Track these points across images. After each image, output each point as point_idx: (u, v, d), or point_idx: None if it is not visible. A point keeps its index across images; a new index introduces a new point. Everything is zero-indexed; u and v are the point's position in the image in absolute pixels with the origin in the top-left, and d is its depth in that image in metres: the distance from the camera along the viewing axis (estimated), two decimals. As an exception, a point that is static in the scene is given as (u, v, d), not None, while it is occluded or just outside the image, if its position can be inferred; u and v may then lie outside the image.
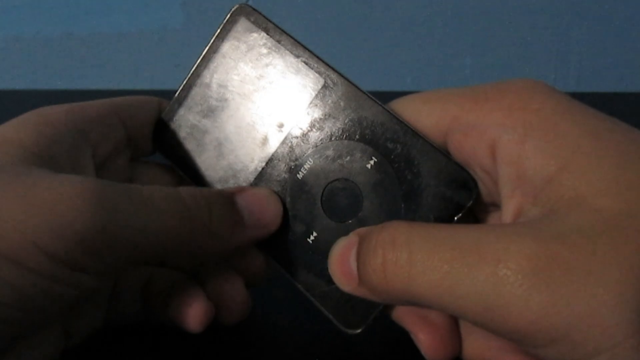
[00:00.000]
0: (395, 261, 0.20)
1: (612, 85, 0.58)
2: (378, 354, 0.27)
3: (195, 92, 0.27)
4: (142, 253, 0.21)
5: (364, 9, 0.56)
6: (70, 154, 0.23)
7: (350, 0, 0.56)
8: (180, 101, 0.27)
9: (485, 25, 0.56)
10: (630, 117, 0.22)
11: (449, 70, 0.58)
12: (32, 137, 0.22)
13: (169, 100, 0.27)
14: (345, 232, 0.22)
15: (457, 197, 0.23)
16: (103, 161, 0.25)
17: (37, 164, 0.21)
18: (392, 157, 0.24)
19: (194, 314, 0.24)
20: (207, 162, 0.26)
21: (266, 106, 0.26)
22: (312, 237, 0.25)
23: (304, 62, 0.25)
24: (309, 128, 0.25)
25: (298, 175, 0.25)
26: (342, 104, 0.25)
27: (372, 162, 0.24)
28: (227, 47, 0.26)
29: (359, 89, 0.25)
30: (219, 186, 0.26)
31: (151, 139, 0.27)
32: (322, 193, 0.25)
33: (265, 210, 0.24)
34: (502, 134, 0.21)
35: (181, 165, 0.27)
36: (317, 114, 0.25)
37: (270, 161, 0.26)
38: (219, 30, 0.26)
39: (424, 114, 0.24)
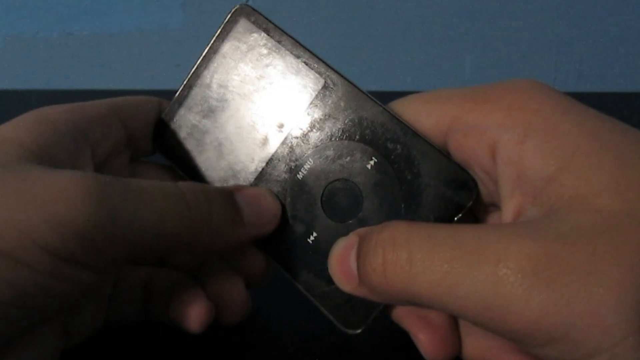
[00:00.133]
0: (395, 261, 0.20)
1: (612, 85, 0.58)
2: (378, 354, 0.27)
3: (196, 92, 0.27)
4: (141, 248, 0.21)
5: (364, 9, 0.56)
6: (70, 153, 0.23)
7: (350, 1, 0.56)
8: (181, 101, 0.27)
9: (485, 25, 0.56)
10: (630, 117, 0.22)
11: (449, 70, 0.58)
12: (31, 137, 0.22)
13: (169, 100, 0.27)
14: (346, 233, 0.22)
15: (457, 198, 0.23)
16: (103, 161, 0.25)
17: (36, 163, 0.21)
18: (392, 157, 0.24)
19: (194, 314, 0.24)
20: (207, 162, 0.26)
21: (266, 106, 0.26)
22: (312, 237, 0.25)
23: (304, 63, 0.25)
24: (309, 128, 0.25)
25: (298, 176, 0.25)
26: (342, 104, 0.25)
27: (372, 162, 0.24)
28: (227, 47, 0.26)
29: (359, 89, 0.25)
30: (218, 186, 0.26)
31: (151, 139, 0.27)
32: (323, 193, 0.25)
33: (264, 209, 0.24)
34: (502, 134, 0.21)
35: (181, 166, 0.27)
36: (317, 114, 0.25)
37: (270, 161, 0.26)
38: (219, 31, 0.26)
39: (424, 114, 0.24)
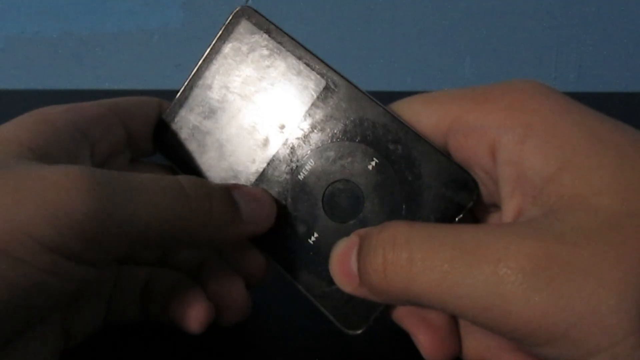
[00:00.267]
0: (395, 261, 0.20)
1: (612, 85, 0.58)
2: (378, 354, 0.27)
3: (197, 93, 0.27)
4: (141, 241, 0.21)
5: (365, 9, 0.56)
6: (69, 153, 0.23)
7: (350, 1, 0.56)
8: (182, 102, 0.27)
9: (485, 26, 0.56)
10: (630, 117, 0.22)
11: (449, 70, 0.58)
12: (31, 137, 0.22)
13: (169, 100, 0.27)
14: (347, 233, 0.22)
15: (458, 198, 0.23)
16: (102, 161, 0.25)
17: (35, 162, 0.21)
18: (393, 158, 0.24)
19: (194, 314, 0.24)
20: (208, 163, 0.26)
21: (267, 107, 0.26)
22: (313, 238, 0.25)
23: (306, 64, 0.25)
24: (310, 129, 0.25)
25: (299, 176, 0.25)
26: (343, 105, 0.25)
27: (373, 163, 0.24)
28: (228, 48, 0.26)
29: (360, 90, 0.25)
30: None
31: (151, 140, 0.27)
32: (323, 194, 0.25)
33: (260, 207, 0.24)
34: (502, 135, 0.21)
35: (182, 166, 0.27)
36: (318, 115, 0.25)
37: (271, 162, 0.26)
38: (220, 32, 0.26)
39: (424, 115, 0.24)
